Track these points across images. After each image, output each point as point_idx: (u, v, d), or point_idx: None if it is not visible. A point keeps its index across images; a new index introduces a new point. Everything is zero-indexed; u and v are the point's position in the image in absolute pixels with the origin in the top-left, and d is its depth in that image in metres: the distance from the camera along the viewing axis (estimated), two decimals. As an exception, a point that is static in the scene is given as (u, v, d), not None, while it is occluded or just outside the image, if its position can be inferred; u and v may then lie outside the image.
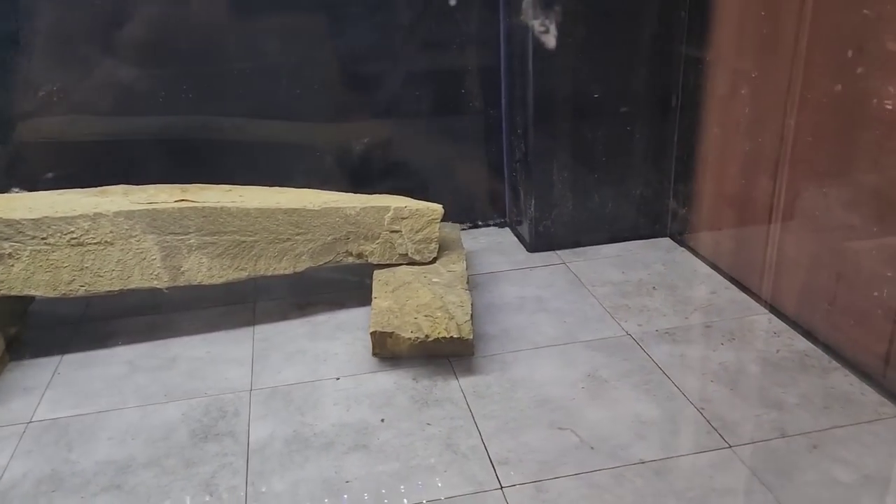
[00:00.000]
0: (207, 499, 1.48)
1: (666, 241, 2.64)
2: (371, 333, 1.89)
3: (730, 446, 1.57)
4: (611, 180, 2.58)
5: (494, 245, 2.69)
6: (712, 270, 2.39)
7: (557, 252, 2.58)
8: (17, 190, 2.23)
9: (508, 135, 2.69)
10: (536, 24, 2.34)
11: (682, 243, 2.60)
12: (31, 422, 1.74)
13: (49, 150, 2.48)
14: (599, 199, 2.59)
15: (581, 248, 2.61)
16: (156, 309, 2.24)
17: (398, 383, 1.85)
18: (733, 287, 2.27)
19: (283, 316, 2.20)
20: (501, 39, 2.60)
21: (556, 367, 1.90)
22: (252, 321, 2.18)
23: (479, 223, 2.84)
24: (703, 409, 1.70)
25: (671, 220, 2.65)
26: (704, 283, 2.32)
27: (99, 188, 2.14)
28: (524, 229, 2.67)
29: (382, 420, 1.71)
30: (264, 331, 2.12)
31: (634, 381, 1.82)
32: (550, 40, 2.37)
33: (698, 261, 2.47)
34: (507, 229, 2.83)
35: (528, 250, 2.62)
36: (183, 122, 2.55)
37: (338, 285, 2.37)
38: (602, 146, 2.52)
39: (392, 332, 1.86)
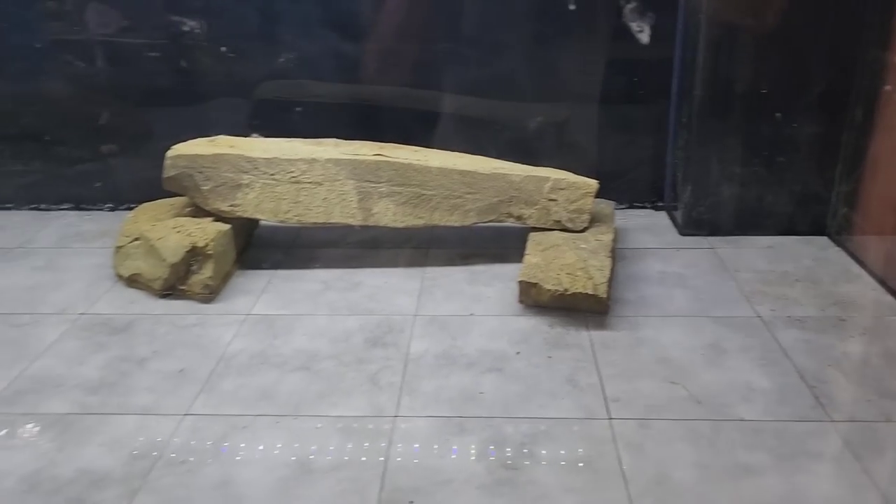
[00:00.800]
0: (371, 387, 1.87)
1: (822, 240, 2.66)
2: (519, 282, 2.18)
3: (831, 420, 1.69)
4: (770, 174, 2.65)
5: (648, 225, 2.87)
6: (864, 272, 2.41)
7: (708, 238, 2.71)
8: (255, 135, 2.79)
9: (675, 123, 2.84)
10: (705, 19, 2.48)
11: (838, 243, 2.61)
12: (249, 314, 2.25)
13: (280, 107, 3.03)
14: (757, 192, 2.67)
15: (733, 237, 2.71)
16: (349, 243, 2.70)
17: (535, 327, 2.13)
18: (882, 289, 2.29)
19: (449, 262, 2.57)
20: (677, 32, 2.75)
21: (681, 334, 2.08)
22: (423, 263, 2.56)
23: (636, 204, 3.02)
24: (814, 387, 1.82)
25: (831, 218, 2.67)
26: (852, 283, 2.35)
27: (316, 139, 2.61)
28: (678, 214, 2.81)
29: (518, 353, 2.01)
30: (432, 272, 2.49)
31: (753, 356, 1.96)
32: (721, 35, 2.49)
33: (851, 261, 2.49)
34: (663, 213, 2.98)
35: (679, 233, 2.77)
36: (388, 91, 2.98)
37: (497, 242, 2.69)
38: (765, 140, 2.60)
39: (536, 283, 2.15)
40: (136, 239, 2.42)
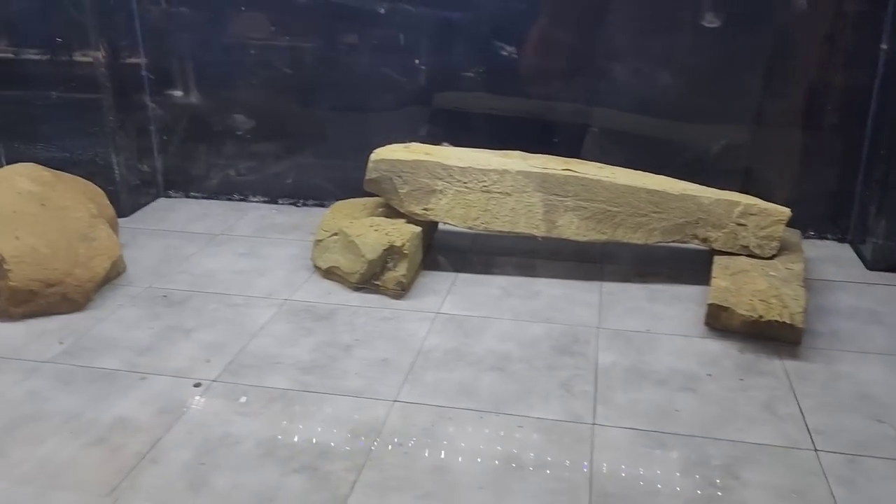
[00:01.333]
0: (565, 393, 1.94)
1: None
2: (709, 305, 2.19)
3: None
4: (978, 214, 2.51)
5: (831, 257, 2.78)
6: None
7: (900, 275, 2.61)
8: (446, 144, 2.94)
9: (869, 154, 2.74)
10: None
11: None
12: (438, 313, 2.38)
13: (453, 117, 3.16)
14: (961, 231, 2.54)
15: (928, 277, 2.59)
16: (524, 253, 2.79)
17: (724, 351, 2.14)
18: None
19: (625, 278, 2.60)
20: (880, 61, 2.66)
21: (883, 372, 2.02)
22: (599, 277, 2.61)
23: (815, 234, 2.94)
24: None
25: None
26: None
27: (501, 151, 2.72)
28: (867, 248, 2.71)
29: (709, 374, 2.02)
30: (609, 287, 2.54)
31: (966, 402, 1.88)
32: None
33: None
34: (847, 245, 2.88)
35: (867, 268, 2.67)
36: (560, 106, 3.06)
37: (670, 263, 2.70)
38: (975, 178, 2.47)
39: (728, 308, 2.15)
40: (335, 234, 2.62)
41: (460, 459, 1.69)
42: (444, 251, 2.82)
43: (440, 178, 2.53)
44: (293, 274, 2.65)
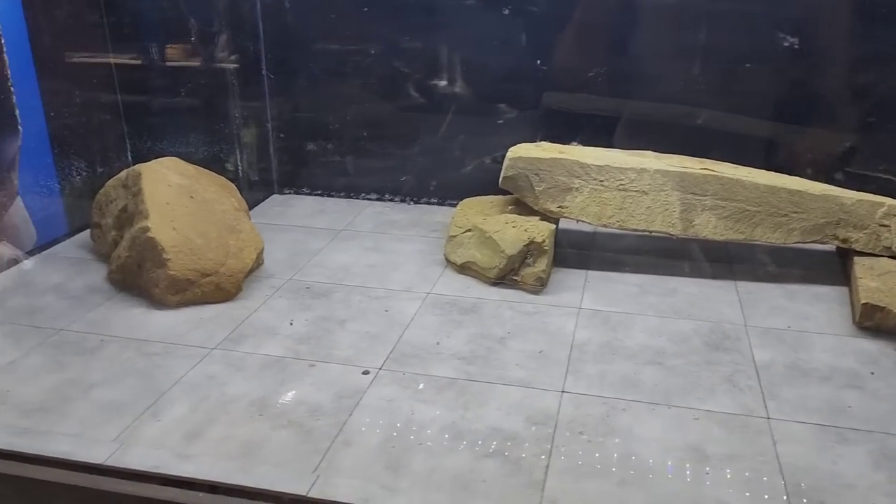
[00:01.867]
0: (731, 388, 1.96)
1: None
2: (863, 304, 2.19)
3: None
4: None
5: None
6: None
7: None
8: (575, 143, 2.98)
9: None
10: None
11: None
12: (580, 308, 2.41)
13: (563, 117, 3.19)
14: None
15: None
16: (648, 251, 2.81)
17: (881, 350, 2.14)
18: None
19: (758, 278, 2.61)
20: None
21: None
22: (731, 276, 2.62)
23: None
24: None
25: None
26: None
27: (633, 151, 2.75)
28: None
29: (872, 373, 2.02)
30: (745, 286, 2.55)
31: None
32: None
33: None
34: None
35: None
36: (671, 108, 3.08)
37: (800, 263, 2.70)
38: None
39: (884, 307, 2.15)
40: (469, 230, 2.67)
41: (645, 449, 1.72)
42: (568, 248, 2.86)
43: (577, 176, 2.57)
44: (426, 269, 2.71)
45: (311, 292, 2.51)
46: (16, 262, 2.61)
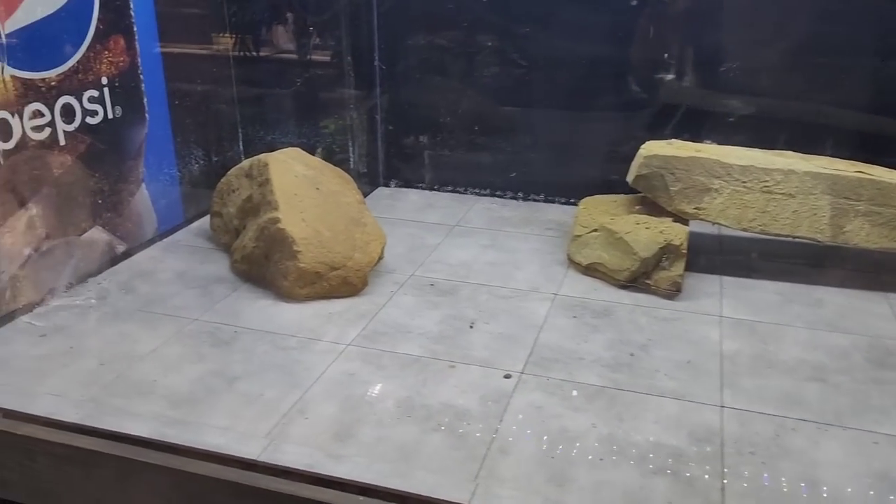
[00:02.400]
0: (907, 410, 1.82)
1: None
2: None
3: None
4: None
5: None
6: None
7: None
8: (708, 142, 2.85)
9: None
10: None
11: None
12: (722, 316, 2.29)
13: (691, 114, 3.05)
14: None
15: None
16: (784, 257, 2.66)
17: None
18: None
19: (909, 291, 2.45)
20: None
21: None
22: (880, 287, 2.45)
23: None
24: None
25: None
26: None
27: (774, 150, 2.61)
28: None
29: None
30: (897, 298, 2.40)
31: None
32: None
33: None
34: None
35: None
36: (806, 105, 2.90)
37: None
38: None
39: None
40: (595, 230, 2.57)
41: (827, 474, 1.60)
42: (696, 252, 2.73)
43: (717, 177, 2.44)
44: (548, 268, 2.62)
45: (437, 289, 2.46)
46: (112, 247, 2.62)
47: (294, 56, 3.14)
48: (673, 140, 2.66)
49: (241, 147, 3.28)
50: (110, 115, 2.54)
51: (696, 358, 2.05)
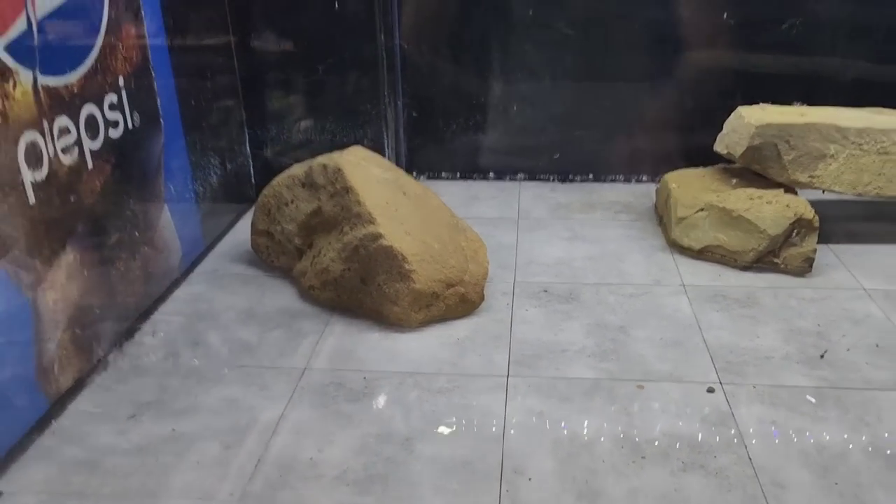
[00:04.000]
0: None
1: None
2: None
3: None
4: None
5: None
6: None
7: None
8: (797, 104, 2.68)
9: None
10: None
11: None
12: (866, 289, 2.15)
13: (759, 77, 2.87)
14: None
15: None
16: (887, 219, 2.60)
17: None
18: None
19: None
20: None
21: None
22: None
23: None
24: None
25: None
26: None
27: (870, 109, 2.48)
28: None
29: None
30: None
31: None
32: None
33: None
34: None
35: None
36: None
37: None
38: None
39: None
40: (702, 210, 2.35)
41: None
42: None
43: (833, 142, 2.29)
44: (652, 256, 2.38)
45: (555, 296, 2.16)
46: (151, 286, 2.13)
47: (319, 37, 2.66)
48: (764, 105, 2.49)
49: (249, 150, 2.80)
50: (130, 125, 2.01)
51: (883, 341, 1.90)
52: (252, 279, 2.27)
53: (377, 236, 1.95)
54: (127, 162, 2.00)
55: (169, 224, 2.28)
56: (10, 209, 1.54)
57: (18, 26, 1.56)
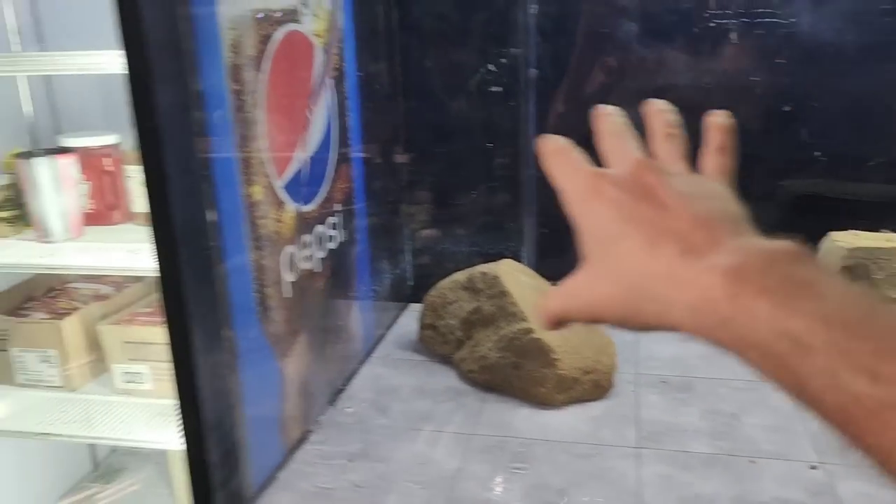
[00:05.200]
0: None
1: None
2: None
3: None
4: None
5: None
6: None
7: None
8: (885, 230, 3.07)
9: None
10: None
11: None
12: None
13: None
14: None
15: None
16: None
17: None
18: None
19: None
20: None
21: None
22: None
23: None
24: None
25: None
26: None
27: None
28: None
29: None
30: None
31: None
32: None
33: None
34: None
35: None
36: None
37: None
38: None
39: None
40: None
41: None
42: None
43: (918, 263, 2.67)
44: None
45: (673, 387, 2.56)
46: (344, 368, 2.68)
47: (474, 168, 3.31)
48: (856, 231, 2.89)
49: (409, 258, 3.40)
50: (341, 239, 2.65)
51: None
52: (419, 364, 2.79)
53: (528, 331, 2.45)
54: (338, 267, 2.62)
55: (357, 317, 2.87)
56: (275, 300, 2.15)
57: (292, 169, 2.24)
